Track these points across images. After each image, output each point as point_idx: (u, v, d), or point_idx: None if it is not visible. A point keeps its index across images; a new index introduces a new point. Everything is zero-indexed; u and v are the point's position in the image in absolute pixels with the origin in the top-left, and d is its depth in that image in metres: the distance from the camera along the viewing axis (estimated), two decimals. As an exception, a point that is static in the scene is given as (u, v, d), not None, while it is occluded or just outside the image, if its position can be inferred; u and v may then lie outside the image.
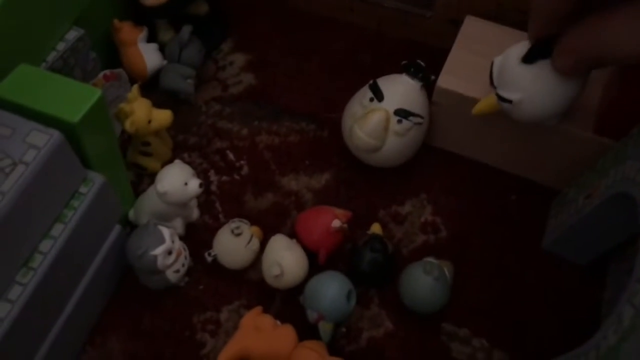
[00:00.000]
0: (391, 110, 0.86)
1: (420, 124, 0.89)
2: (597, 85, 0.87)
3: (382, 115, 0.86)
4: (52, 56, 0.86)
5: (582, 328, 0.84)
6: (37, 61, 0.84)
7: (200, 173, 0.97)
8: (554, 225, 0.90)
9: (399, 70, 0.92)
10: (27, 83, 0.72)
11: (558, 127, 0.85)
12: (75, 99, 0.71)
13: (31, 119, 0.67)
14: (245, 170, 0.99)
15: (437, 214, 0.95)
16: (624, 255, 0.87)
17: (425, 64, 0.91)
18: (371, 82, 0.89)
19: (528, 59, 0.73)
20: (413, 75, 0.89)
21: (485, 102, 0.82)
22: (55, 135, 0.66)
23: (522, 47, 0.75)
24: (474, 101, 0.88)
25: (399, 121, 0.86)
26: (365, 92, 0.89)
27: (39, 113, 0.69)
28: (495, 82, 0.79)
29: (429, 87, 0.91)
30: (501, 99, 0.78)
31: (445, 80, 0.90)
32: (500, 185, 0.98)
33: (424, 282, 0.80)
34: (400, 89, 0.88)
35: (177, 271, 0.82)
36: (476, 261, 0.90)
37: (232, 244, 0.84)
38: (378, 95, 0.87)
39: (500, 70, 0.78)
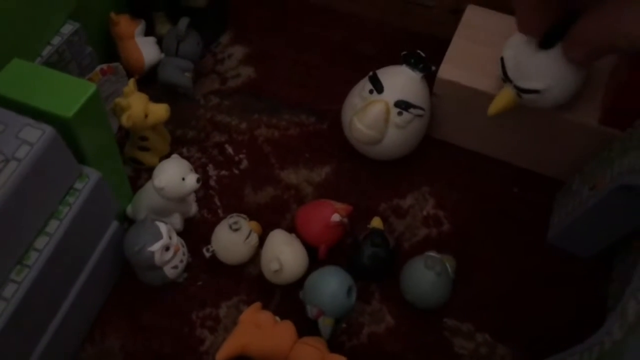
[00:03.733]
0: (391, 102, 0.85)
1: (421, 115, 0.87)
2: (603, 75, 0.85)
3: (381, 107, 0.84)
4: (47, 50, 0.85)
5: (587, 322, 0.83)
6: (32, 56, 0.83)
7: (199, 167, 0.96)
8: (558, 218, 0.88)
9: (400, 61, 0.90)
10: (20, 78, 0.70)
11: (562, 117, 0.84)
12: (69, 94, 0.70)
13: (24, 114, 0.66)
14: (244, 164, 0.97)
15: (439, 207, 0.93)
16: (630, 247, 0.86)
17: (427, 55, 0.89)
18: (371, 73, 0.88)
19: (547, 44, 0.72)
20: (413, 66, 0.87)
21: (502, 100, 0.80)
22: (48, 130, 0.65)
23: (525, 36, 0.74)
24: (475, 92, 0.86)
25: (400, 113, 0.85)
26: (365, 84, 0.88)
27: (32, 108, 0.68)
28: (512, 77, 0.77)
29: (429, 78, 0.90)
30: (525, 91, 0.76)
31: (446, 70, 0.88)
32: (503, 177, 0.97)
33: (426, 276, 0.79)
34: (400, 81, 0.86)
35: (176, 267, 0.81)
36: (479, 255, 0.89)
37: (231, 239, 0.83)
38: (378, 86, 0.86)
39: (516, 62, 0.76)
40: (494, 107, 0.80)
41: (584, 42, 0.67)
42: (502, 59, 0.78)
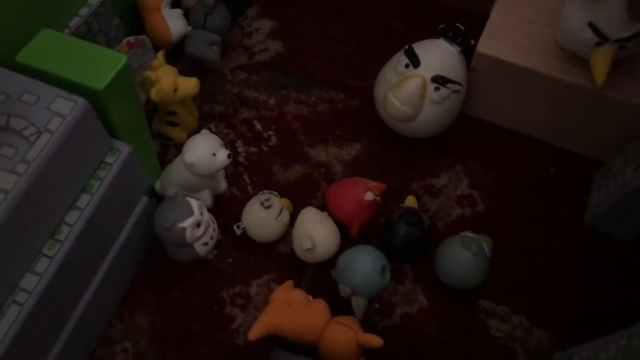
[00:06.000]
0: (428, 77, 0.82)
1: (458, 91, 0.84)
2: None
3: (418, 82, 0.81)
4: (75, 22, 0.83)
5: (627, 306, 0.81)
6: (59, 27, 0.81)
7: (227, 144, 0.94)
8: (597, 199, 0.86)
9: (433, 36, 0.87)
10: (50, 49, 0.69)
11: (608, 95, 0.80)
12: (100, 65, 0.68)
13: (55, 86, 0.64)
14: (273, 140, 0.95)
15: (474, 187, 0.91)
16: (671, 230, 0.83)
17: (464, 28, 0.86)
18: (407, 47, 0.85)
19: None
20: (451, 40, 0.84)
21: (605, 64, 0.76)
22: (81, 102, 0.63)
23: None
24: (515, 67, 0.83)
25: (436, 88, 0.82)
26: (400, 58, 0.85)
27: (63, 80, 0.66)
28: (612, 33, 0.75)
29: (467, 52, 0.87)
30: (632, 37, 0.75)
31: (486, 45, 0.85)
32: (540, 157, 0.94)
33: (463, 257, 0.77)
34: (437, 55, 0.83)
35: (206, 244, 0.79)
36: (515, 236, 0.87)
37: (262, 217, 0.81)
38: (414, 61, 0.83)
39: (609, 17, 0.74)
40: (601, 75, 0.76)
41: None
42: (590, 24, 0.75)
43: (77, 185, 0.68)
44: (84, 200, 0.68)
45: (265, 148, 0.94)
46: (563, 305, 0.82)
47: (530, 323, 0.80)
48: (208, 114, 0.98)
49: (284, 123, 0.97)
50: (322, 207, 0.85)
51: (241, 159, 0.93)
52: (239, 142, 0.95)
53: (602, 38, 0.75)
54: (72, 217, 0.67)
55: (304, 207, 0.84)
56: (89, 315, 0.74)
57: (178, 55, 1.00)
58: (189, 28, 0.99)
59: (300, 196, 0.89)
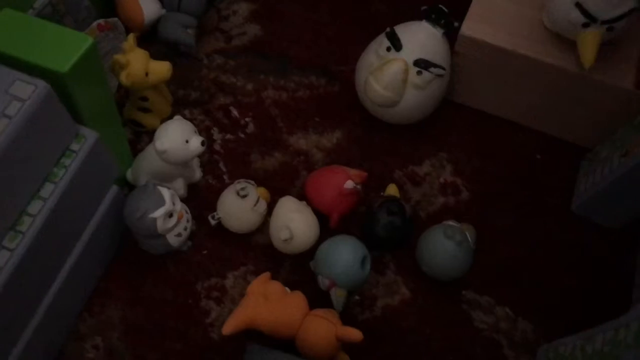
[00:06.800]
0: (410, 60, 0.79)
1: (441, 75, 0.81)
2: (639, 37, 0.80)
3: (400, 65, 0.79)
4: (39, 2, 0.79)
5: (613, 296, 0.79)
6: (23, 7, 0.77)
7: (203, 131, 0.91)
8: (584, 186, 0.84)
9: (416, 18, 0.84)
10: (10, 29, 0.65)
11: (595, 79, 0.78)
12: (64, 47, 0.64)
13: (16, 69, 0.60)
14: (250, 128, 0.92)
15: (458, 175, 0.89)
16: (659, 218, 0.81)
17: (448, 10, 0.83)
18: (388, 29, 0.82)
19: None
20: (434, 22, 0.81)
21: (593, 45, 0.74)
22: (42, 85, 0.59)
23: None
24: (500, 50, 0.81)
25: (419, 72, 0.79)
26: (382, 41, 0.82)
27: (24, 62, 0.62)
28: (598, 13, 0.73)
29: (451, 35, 0.84)
30: (618, 19, 0.73)
31: (470, 27, 0.82)
32: (525, 143, 0.92)
33: (445, 246, 0.75)
34: (420, 38, 0.81)
35: (179, 235, 0.76)
36: (499, 226, 0.85)
37: (238, 206, 0.78)
38: (396, 44, 0.80)
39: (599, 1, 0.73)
40: (590, 56, 0.75)
41: None
42: (577, 4, 0.73)
43: (39, 174, 0.64)
44: (47, 189, 0.65)
45: (242, 135, 0.91)
46: (549, 296, 0.80)
47: (515, 314, 0.78)
48: (183, 99, 0.94)
49: (262, 109, 0.94)
50: (302, 196, 0.82)
51: (217, 147, 0.90)
52: (215, 129, 0.91)
53: (590, 19, 0.73)
54: (34, 207, 0.63)
55: (282, 197, 0.81)
56: (56, 311, 0.70)
57: (152, 39, 0.96)
58: (163, 10, 0.95)
59: (279, 185, 0.87)
